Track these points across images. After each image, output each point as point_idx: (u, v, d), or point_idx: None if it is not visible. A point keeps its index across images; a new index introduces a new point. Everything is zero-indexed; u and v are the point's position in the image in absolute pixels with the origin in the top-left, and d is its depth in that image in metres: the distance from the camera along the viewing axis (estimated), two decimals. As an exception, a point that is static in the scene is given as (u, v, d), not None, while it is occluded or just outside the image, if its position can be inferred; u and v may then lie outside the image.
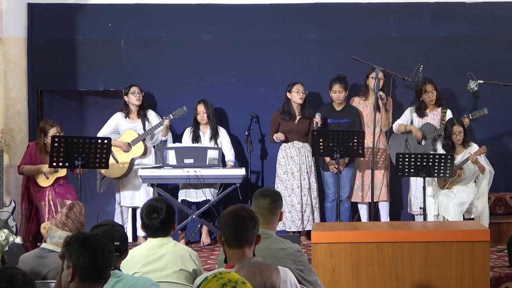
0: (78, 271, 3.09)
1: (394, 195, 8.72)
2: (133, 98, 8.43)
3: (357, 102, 8.54)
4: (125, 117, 8.51)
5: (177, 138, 8.74)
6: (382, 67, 8.10)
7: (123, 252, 3.84)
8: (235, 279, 2.76)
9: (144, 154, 8.42)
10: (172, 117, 8.36)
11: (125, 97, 8.49)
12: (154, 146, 8.56)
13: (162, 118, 8.42)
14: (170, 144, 8.51)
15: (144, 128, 8.43)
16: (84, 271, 3.09)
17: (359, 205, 8.53)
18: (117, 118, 8.51)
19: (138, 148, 8.39)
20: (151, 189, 8.30)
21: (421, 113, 8.32)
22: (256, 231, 3.73)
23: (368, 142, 8.16)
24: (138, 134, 8.38)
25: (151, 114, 8.56)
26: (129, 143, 8.35)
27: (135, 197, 8.46)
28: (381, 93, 8.22)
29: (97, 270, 3.11)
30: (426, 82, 8.22)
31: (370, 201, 8.21)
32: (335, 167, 8.27)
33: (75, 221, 4.72)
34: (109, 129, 8.45)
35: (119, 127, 8.48)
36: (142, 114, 8.51)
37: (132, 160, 8.38)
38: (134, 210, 8.67)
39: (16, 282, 2.82)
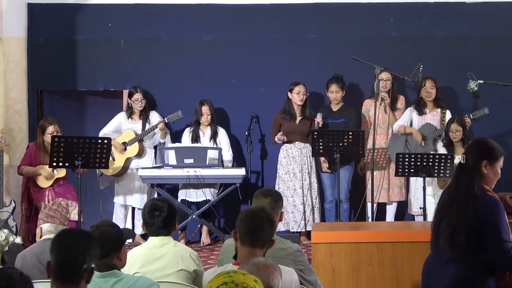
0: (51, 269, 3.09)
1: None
2: (136, 105, 8.50)
3: (368, 104, 8.51)
4: (128, 118, 8.53)
5: (175, 138, 8.74)
6: (382, 67, 8.10)
7: (103, 255, 3.64)
8: (239, 282, 2.69)
9: (139, 154, 8.43)
10: (167, 121, 8.37)
11: (129, 99, 8.52)
12: (155, 147, 8.58)
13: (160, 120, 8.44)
14: (170, 144, 8.51)
15: (143, 129, 8.45)
16: (53, 269, 3.08)
17: (387, 206, 8.52)
18: (120, 118, 8.57)
19: (133, 149, 8.40)
20: (146, 189, 8.32)
21: (420, 110, 8.32)
22: (271, 234, 3.72)
23: (381, 142, 8.22)
24: (136, 134, 8.39)
25: (153, 116, 8.58)
26: (123, 143, 8.36)
27: (129, 196, 8.48)
28: (383, 94, 8.24)
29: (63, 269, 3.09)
30: (426, 78, 8.28)
31: (398, 200, 8.41)
32: (325, 165, 8.28)
33: (62, 213, 4.75)
34: (112, 128, 8.51)
35: (122, 127, 8.53)
36: (144, 116, 8.53)
37: (128, 160, 8.39)
38: (133, 209, 8.67)
39: (13, 282, 2.81)
